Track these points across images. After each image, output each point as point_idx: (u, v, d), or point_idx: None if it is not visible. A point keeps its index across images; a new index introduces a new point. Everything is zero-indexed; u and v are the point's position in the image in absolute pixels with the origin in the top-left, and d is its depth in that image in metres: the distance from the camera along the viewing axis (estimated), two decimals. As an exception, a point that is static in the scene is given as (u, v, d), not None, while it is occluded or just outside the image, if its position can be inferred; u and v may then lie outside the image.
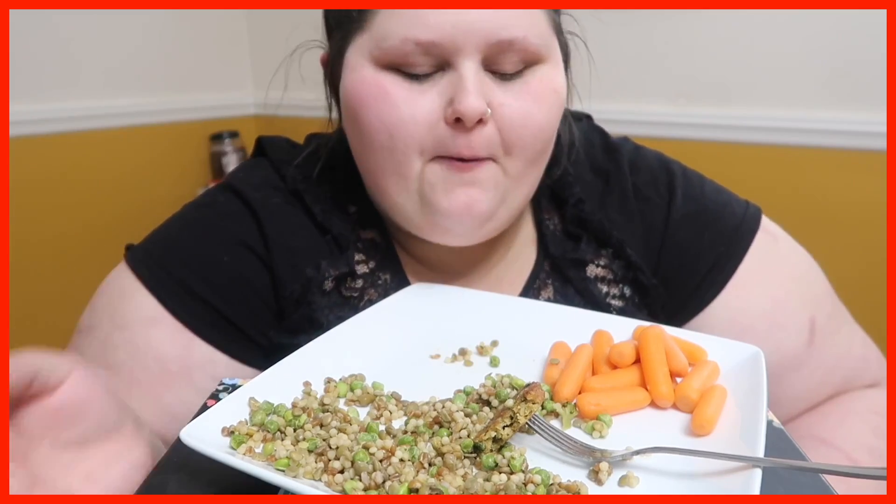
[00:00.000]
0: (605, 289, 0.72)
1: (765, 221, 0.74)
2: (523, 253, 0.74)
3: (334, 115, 0.72)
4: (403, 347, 0.61)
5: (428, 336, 0.63)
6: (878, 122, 1.39)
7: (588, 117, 0.81)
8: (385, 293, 0.69)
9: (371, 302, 0.69)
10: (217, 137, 2.08)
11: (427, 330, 0.64)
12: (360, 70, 0.60)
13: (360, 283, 0.69)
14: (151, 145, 1.90)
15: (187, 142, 2.03)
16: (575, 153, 0.74)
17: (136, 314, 0.64)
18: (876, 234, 1.41)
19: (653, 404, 0.53)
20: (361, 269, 0.70)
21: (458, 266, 0.72)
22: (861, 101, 1.42)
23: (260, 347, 0.67)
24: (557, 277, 0.73)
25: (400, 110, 0.58)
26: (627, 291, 0.72)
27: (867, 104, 1.41)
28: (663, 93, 1.63)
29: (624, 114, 1.64)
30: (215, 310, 0.65)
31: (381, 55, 0.59)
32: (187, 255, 0.66)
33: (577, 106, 0.83)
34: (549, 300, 0.72)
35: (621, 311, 0.71)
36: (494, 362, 0.60)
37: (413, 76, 0.59)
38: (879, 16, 1.36)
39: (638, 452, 0.44)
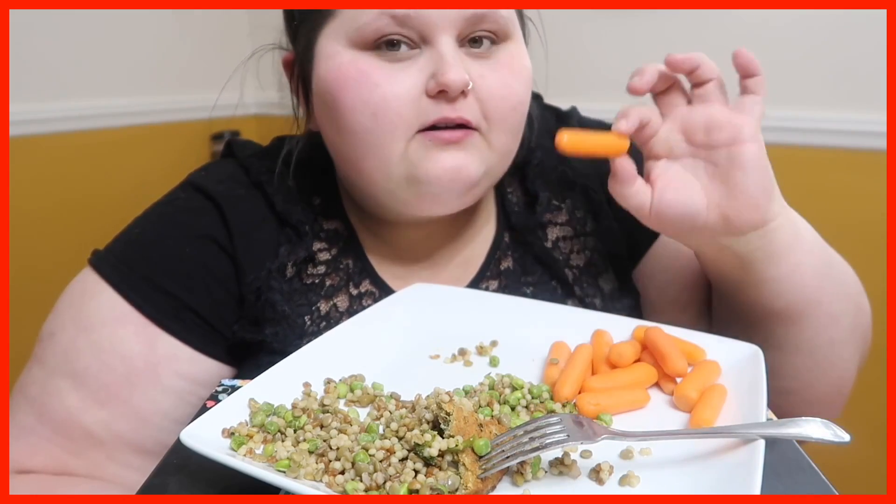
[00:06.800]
0: (566, 249, 0.73)
1: None
2: (486, 230, 0.76)
3: (301, 114, 0.72)
4: (403, 347, 0.61)
5: (428, 336, 0.63)
6: (879, 121, 1.39)
7: (539, 97, 0.83)
8: (348, 278, 0.70)
9: (333, 287, 0.69)
10: (218, 137, 2.08)
11: (427, 330, 0.64)
12: (335, 56, 0.61)
13: (321, 269, 0.70)
14: (152, 145, 1.89)
15: (188, 142, 2.03)
16: (535, 123, 0.77)
17: (100, 314, 0.64)
18: (876, 233, 1.40)
19: (652, 404, 0.53)
20: (323, 255, 0.70)
21: (425, 251, 0.73)
22: (861, 100, 1.42)
23: (224, 338, 0.67)
24: (518, 248, 0.74)
25: (382, 89, 0.59)
26: (590, 242, 0.73)
27: (867, 104, 1.41)
28: (663, 92, 1.63)
29: (624, 113, 1.63)
30: (178, 300, 0.65)
31: (356, 35, 0.60)
32: (149, 251, 0.67)
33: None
34: (508, 270, 0.73)
35: (582, 272, 0.72)
36: (494, 362, 0.60)
37: (391, 56, 0.60)
38: (880, 16, 1.36)
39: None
